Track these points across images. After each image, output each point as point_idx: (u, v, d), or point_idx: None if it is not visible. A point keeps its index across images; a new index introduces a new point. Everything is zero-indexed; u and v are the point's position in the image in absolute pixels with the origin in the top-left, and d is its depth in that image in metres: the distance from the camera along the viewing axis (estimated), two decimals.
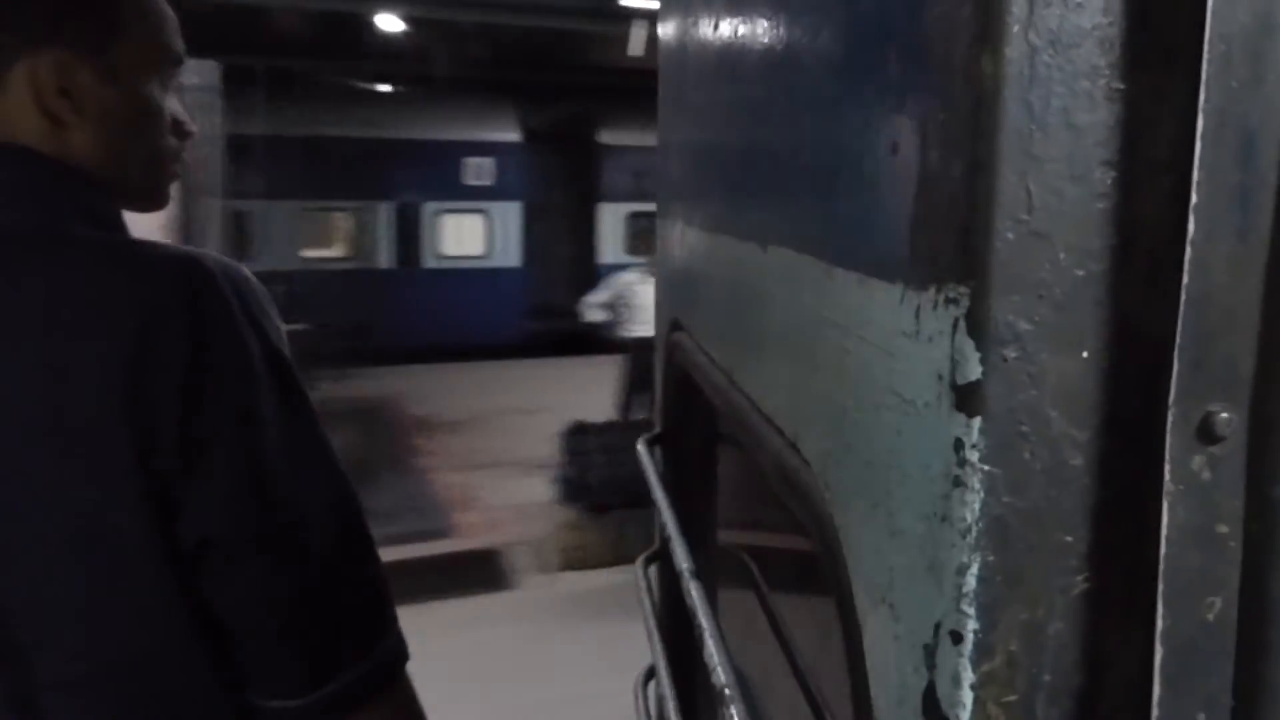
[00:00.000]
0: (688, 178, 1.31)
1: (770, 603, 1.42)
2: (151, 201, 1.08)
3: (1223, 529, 0.43)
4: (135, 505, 0.87)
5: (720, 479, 1.59)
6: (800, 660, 1.15)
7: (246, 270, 0.98)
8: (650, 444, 1.61)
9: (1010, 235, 0.42)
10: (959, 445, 0.44)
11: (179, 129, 1.07)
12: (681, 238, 1.35)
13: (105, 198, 1.01)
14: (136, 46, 1.01)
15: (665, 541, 1.37)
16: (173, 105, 1.06)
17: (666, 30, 1.49)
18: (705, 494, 1.59)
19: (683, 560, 1.07)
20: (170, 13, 1.06)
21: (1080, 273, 0.43)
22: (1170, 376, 0.42)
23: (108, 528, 0.88)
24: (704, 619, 0.92)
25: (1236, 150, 0.41)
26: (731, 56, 0.98)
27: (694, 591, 0.99)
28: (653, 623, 1.38)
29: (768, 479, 0.84)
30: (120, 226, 1.02)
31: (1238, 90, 0.40)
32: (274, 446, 0.92)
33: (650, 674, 1.54)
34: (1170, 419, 0.42)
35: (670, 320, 1.50)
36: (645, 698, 1.63)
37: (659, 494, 1.33)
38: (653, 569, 1.64)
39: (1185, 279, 0.41)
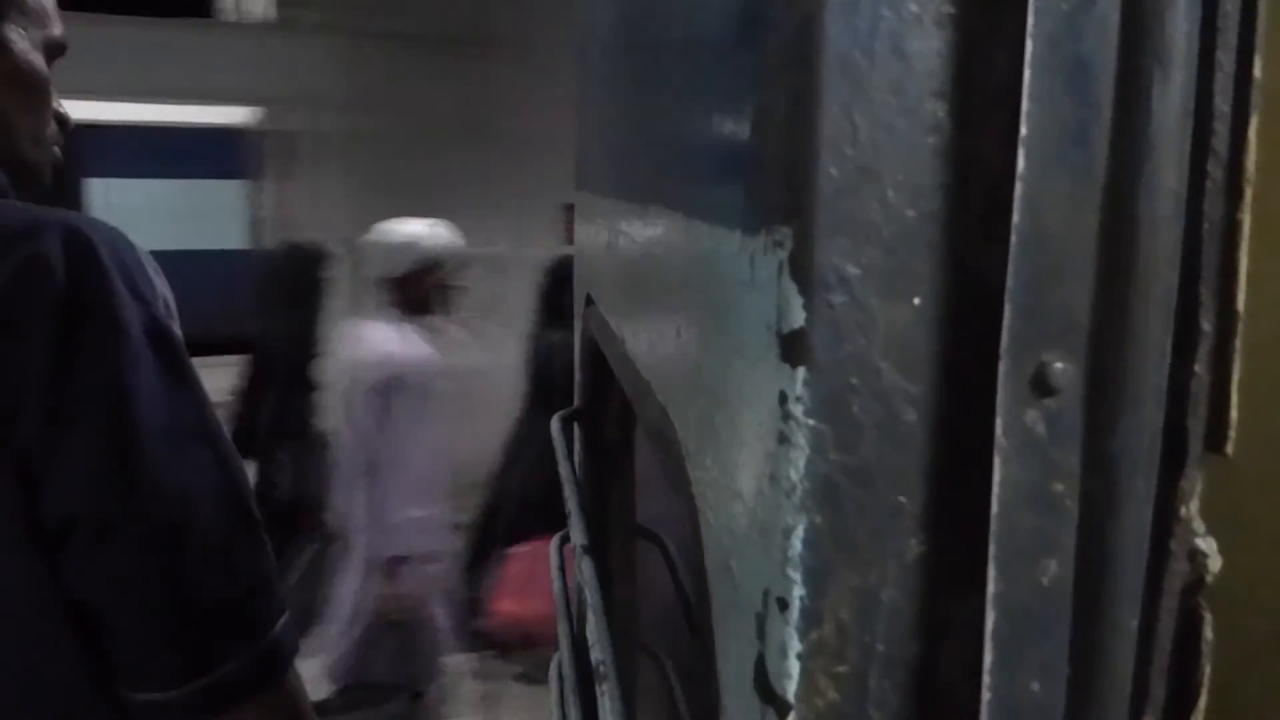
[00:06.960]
0: (593, 147, 1.28)
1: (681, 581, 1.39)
2: (36, 180, 1.05)
3: (1058, 487, 0.40)
4: None
5: (643, 455, 1.56)
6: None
7: (132, 240, 0.93)
8: (566, 420, 1.57)
9: (834, 171, 0.39)
10: (783, 398, 0.41)
11: (59, 118, 1.07)
12: (589, 209, 1.31)
13: None
14: (26, 23, 1.00)
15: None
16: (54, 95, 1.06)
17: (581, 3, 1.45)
18: (621, 470, 1.56)
19: (578, 536, 1.04)
20: (54, 3, 1.06)
21: (911, 213, 0.40)
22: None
23: None
24: (589, 594, 0.89)
25: (1068, 78, 0.38)
26: (621, 17, 0.94)
27: (585, 567, 0.96)
28: (561, 603, 1.35)
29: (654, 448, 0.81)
30: (5, 192, 0.98)
31: (1068, 12, 0.37)
32: (151, 423, 0.87)
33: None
34: (1002, 369, 0.39)
35: (585, 295, 1.46)
36: (561, 681, 1.59)
37: (565, 469, 1.29)
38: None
39: (1016, 218, 0.38)
